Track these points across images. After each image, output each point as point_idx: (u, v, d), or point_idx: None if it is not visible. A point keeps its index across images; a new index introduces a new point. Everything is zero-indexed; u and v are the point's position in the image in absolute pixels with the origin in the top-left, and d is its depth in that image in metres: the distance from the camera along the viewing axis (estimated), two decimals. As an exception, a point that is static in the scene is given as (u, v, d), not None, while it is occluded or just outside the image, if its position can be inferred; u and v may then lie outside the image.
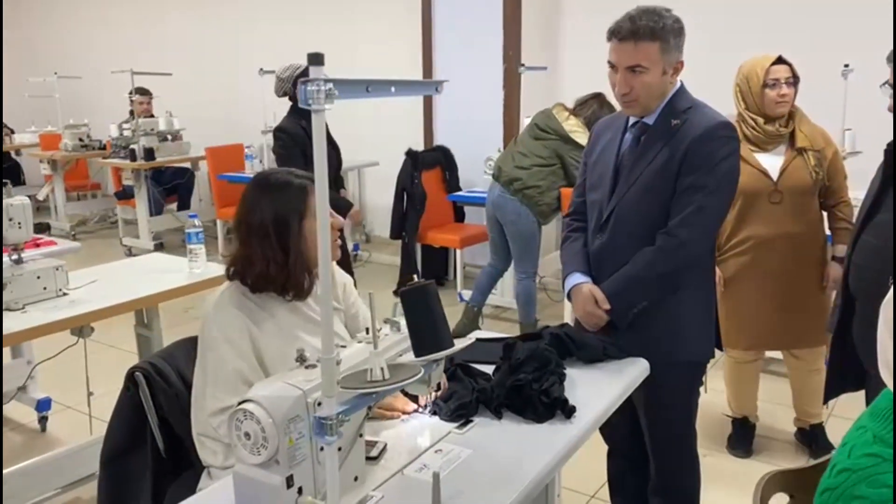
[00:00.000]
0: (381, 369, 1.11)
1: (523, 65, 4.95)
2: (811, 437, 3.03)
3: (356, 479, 1.36)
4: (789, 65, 2.71)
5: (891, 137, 1.99)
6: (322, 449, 1.25)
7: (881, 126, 2.67)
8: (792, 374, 3.03)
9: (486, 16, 5.15)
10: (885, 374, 1.07)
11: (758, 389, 3.06)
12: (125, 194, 6.72)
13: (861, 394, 2.14)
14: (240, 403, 1.23)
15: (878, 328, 1.08)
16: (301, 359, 1.33)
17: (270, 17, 6.72)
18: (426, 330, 1.21)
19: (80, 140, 7.11)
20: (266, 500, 1.22)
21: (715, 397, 3.17)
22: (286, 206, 1.72)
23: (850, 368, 2.06)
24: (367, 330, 1.40)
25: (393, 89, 0.98)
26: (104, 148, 7.21)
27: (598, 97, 3.94)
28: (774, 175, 2.68)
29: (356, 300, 1.98)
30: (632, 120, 2.01)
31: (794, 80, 2.70)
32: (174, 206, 6.81)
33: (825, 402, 2.18)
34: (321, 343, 0.94)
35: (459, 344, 1.26)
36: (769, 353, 3.29)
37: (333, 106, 0.90)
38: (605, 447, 2.36)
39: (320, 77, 0.88)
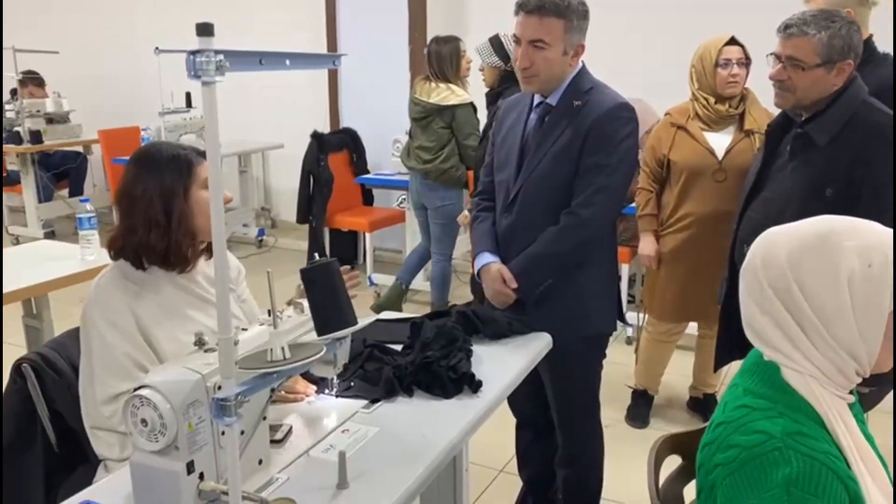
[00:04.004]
0: (282, 349, 1.09)
1: (428, 46, 4.94)
2: (704, 406, 3.20)
3: (260, 462, 1.34)
4: (742, 46, 2.75)
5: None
6: (224, 433, 1.23)
7: None
8: (700, 342, 3.15)
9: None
10: (749, 333, 1.16)
11: (666, 366, 3.18)
12: (10, 180, 6.30)
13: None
14: (136, 390, 1.18)
15: (740, 295, 1.17)
16: (200, 342, 1.29)
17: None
18: (329, 308, 1.20)
19: (-42, 122, 6.62)
20: (166, 487, 1.18)
21: (615, 369, 3.28)
22: (170, 175, 1.65)
23: (737, 338, 2.17)
24: (269, 312, 1.38)
25: (288, 62, 0.96)
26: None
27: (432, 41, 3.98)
28: (720, 154, 2.73)
29: (245, 287, 1.93)
30: (536, 100, 2.05)
31: (747, 62, 2.75)
32: (66, 192, 6.45)
33: (715, 370, 2.29)
34: (217, 323, 0.92)
35: (363, 322, 1.25)
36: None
37: (224, 78, 0.87)
38: (513, 423, 2.42)
39: (210, 48, 0.85)
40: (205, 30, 0.84)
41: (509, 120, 2.14)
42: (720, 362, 2.29)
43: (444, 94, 3.85)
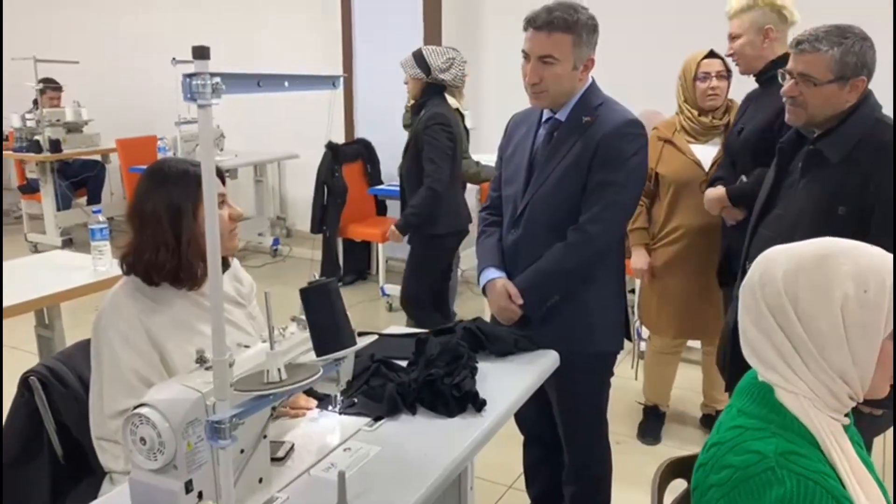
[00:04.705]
0: (279, 370, 1.09)
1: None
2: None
3: (261, 480, 1.33)
4: (722, 59, 2.77)
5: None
6: (221, 452, 1.23)
7: None
8: (706, 360, 3.13)
9: (407, 9, 5.13)
10: (745, 351, 1.15)
11: (674, 380, 3.15)
12: (30, 188, 6.39)
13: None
14: (135, 408, 1.18)
15: (738, 313, 1.16)
16: (201, 360, 1.29)
17: (181, 4, 6.50)
18: (327, 329, 1.19)
19: (-21, 131, 6.72)
20: (164, 506, 1.18)
21: (625, 384, 3.25)
22: (181, 194, 1.65)
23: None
24: (272, 330, 1.38)
25: (286, 84, 0.96)
26: (6, 139, 6.83)
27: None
28: (707, 165, 2.76)
29: (255, 304, 1.93)
30: (545, 115, 2.04)
31: (727, 74, 2.77)
32: (84, 200, 6.53)
33: (727, 389, 2.26)
34: (212, 345, 0.91)
35: (362, 342, 1.25)
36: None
37: (220, 101, 0.87)
38: (521, 438, 2.40)
39: (206, 71, 0.85)
40: (200, 53, 0.85)
41: (518, 135, 2.13)
42: (732, 381, 2.25)
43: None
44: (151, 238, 1.64)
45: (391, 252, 5.38)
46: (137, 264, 1.66)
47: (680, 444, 3.08)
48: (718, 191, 2.52)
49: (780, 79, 1.94)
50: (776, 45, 2.38)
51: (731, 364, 2.23)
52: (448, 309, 3.91)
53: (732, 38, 2.46)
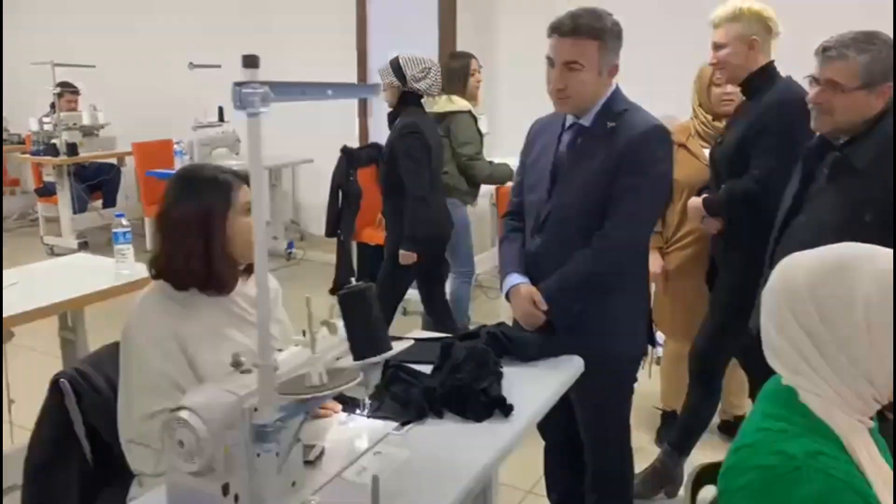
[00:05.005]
0: (320, 374, 1.10)
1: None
2: (736, 429, 3.14)
3: (294, 484, 1.34)
4: None
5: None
6: (259, 455, 1.24)
7: None
8: None
9: (422, 15, 5.15)
10: (768, 356, 1.16)
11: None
12: (46, 191, 6.45)
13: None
14: (173, 411, 1.20)
15: (761, 318, 1.17)
16: (236, 364, 1.30)
17: (197, 8, 6.55)
18: (365, 333, 1.20)
19: (-3, 134, 6.80)
20: (202, 508, 1.19)
21: (640, 389, 3.24)
22: (209, 200, 1.67)
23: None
24: (304, 332, 1.39)
25: (330, 92, 0.98)
26: (23, 142, 6.90)
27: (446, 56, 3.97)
28: None
29: (281, 308, 1.95)
30: (569, 121, 2.04)
31: None
32: (99, 203, 6.57)
33: (750, 395, 2.27)
34: (258, 350, 0.92)
35: (398, 346, 1.26)
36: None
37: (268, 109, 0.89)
38: (541, 442, 2.40)
39: (255, 80, 0.86)
40: (251, 62, 0.86)
41: (541, 140, 2.14)
42: (756, 387, 2.25)
43: (442, 103, 3.83)
44: (181, 245, 1.65)
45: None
46: (167, 270, 1.68)
47: (698, 449, 3.07)
48: (696, 201, 2.55)
49: (808, 85, 1.94)
50: (760, 57, 2.39)
51: (756, 368, 2.23)
52: (449, 317, 3.82)
53: (717, 47, 2.46)
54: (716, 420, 3.25)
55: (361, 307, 1.20)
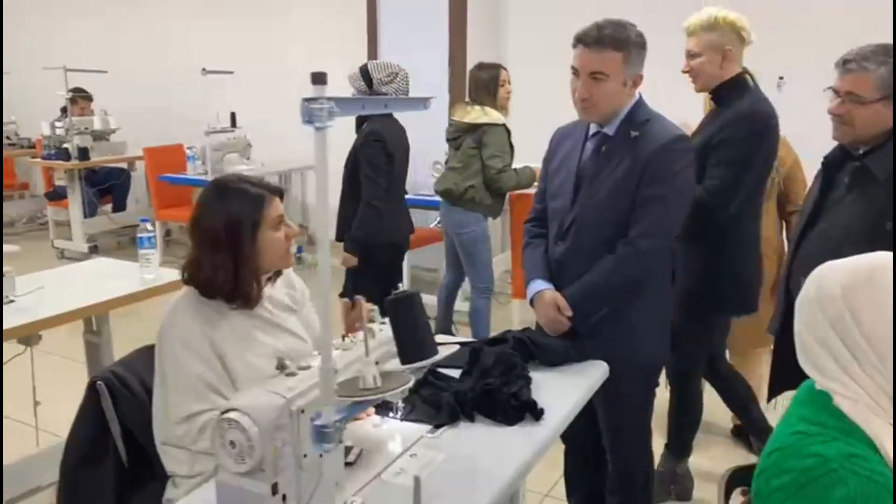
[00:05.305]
0: (374, 377, 1.14)
1: (472, 70, 5.00)
2: (748, 434, 3.18)
3: (336, 484, 1.37)
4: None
5: (820, 143, 2.14)
6: (305, 456, 1.28)
7: (812, 132, 2.82)
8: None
9: (432, 18, 5.19)
10: (802, 362, 1.20)
11: (703, 390, 3.18)
12: (57, 195, 6.49)
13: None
14: (224, 412, 1.23)
15: (795, 325, 1.21)
16: (281, 366, 1.34)
17: (208, 13, 6.59)
18: (413, 338, 1.24)
19: (8, 138, 6.83)
20: (251, 508, 1.22)
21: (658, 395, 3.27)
22: (240, 213, 1.70)
23: (794, 368, 2.18)
24: (343, 336, 1.43)
25: (385, 105, 1.01)
26: (33, 146, 6.94)
27: (475, 66, 3.97)
28: None
29: (311, 308, 1.98)
30: (592, 130, 2.08)
31: None
32: (108, 207, 6.62)
33: (769, 400, 2.30)
34: (321, 355, 0.96)
35: (444, 351, 1.29)
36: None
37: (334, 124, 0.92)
38: (558, 446, 2.42)
39: (323, 96, 0.90)
40: (319, 78, 0.90)
41: (564, 148, 2.17)
42: (774, 392, 2.29)
43: (476, 114, 3.83)
44: (209, 256, 1.69)
45: (414, 261, 5.43)
46: (197, 279, 1.72)
47: (711, 455, 3.11)
48: None
49: (830, 97, 1.97)
50: (733, 66, 2.41)
51: (773, 375, 2.27)
52: None
53: (691, 55, 2.47)
54: (729, 425, 3.30)
55: (410, 312, 1.24)
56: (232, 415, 1.22)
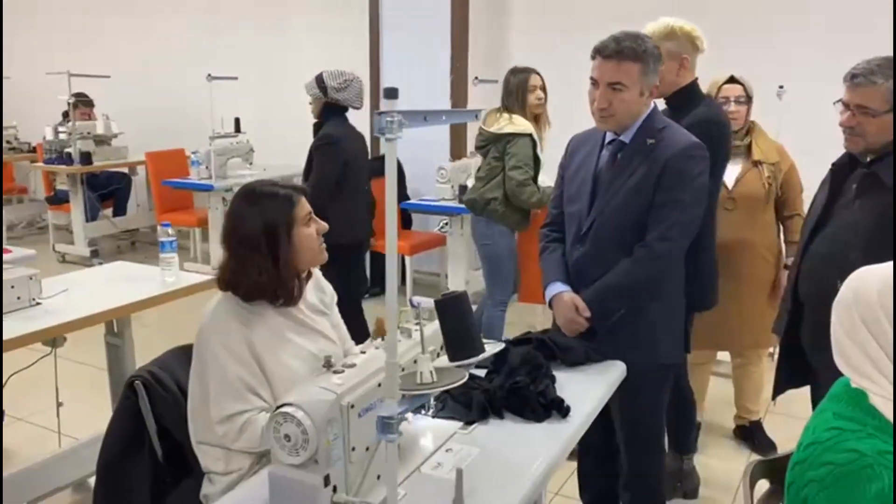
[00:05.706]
0: (430, 372, 1.20)
1: (477, 78, 5.08)
2: (750, 433, 3.27)
3: (379, 477, 1.44)
4: (742, 84, 2.94)
5: (819, 150, 2.22)
6: (354, 449, 1.34)
7: (811, 140, 3.06)
8: (736, 372, 3.25)
9: (434, 26, 5.27)
10: (839, 362, 1.27)
11: (706, 391, 3.26)
12: (57, 199, 6.51)
13: (797, 392, 2.37)
14: (278, 407, 1.29)
15: (832, 326, 1.28)
16: (328, 364, 1.41)
17: (212, 19, 6.64)
18: (462, 336, 1.30)
19: (8, 142, 6.85)
20: (304, 498, 1.28)
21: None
22: (274, 216, 1.78)
23: (798, 367, 2.27)
24: (383, 338, 1.49)
25: (444, 118, 1.08)
26: (33, 151, 6.96)
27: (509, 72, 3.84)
28: (730, 184, 2.90)
29: (336, 312, 2.04)
30: (608, 137, 2.16)
31: (746, 99, 2.94)
32: (109, 211, 6.65)
33: (773, 398, 2.38)
34: (385, 352, 1.02)
35: (490, 349, 1.36)
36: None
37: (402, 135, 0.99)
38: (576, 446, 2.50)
39: (394, 110, 0.97)
40: (391, 93, 0.96)
41: (580, 154, 2.25)
42: (778, 390, 2.37)
43: (502, 123, 3.69)
44: (251, 261, 1.75)
45: (418, 265, 5.50)
46: (238, 285, 1.77)
47: (715, 454, 3.18)
48: None
49: (840, 109, 2.05)
50: (688, 74, 2.48)
51: (778, 374, 2.35)
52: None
53: None
54: (731, 425, 3.38)
55: (458, 312, 1.31)
56: (287, 409, 1.28)
